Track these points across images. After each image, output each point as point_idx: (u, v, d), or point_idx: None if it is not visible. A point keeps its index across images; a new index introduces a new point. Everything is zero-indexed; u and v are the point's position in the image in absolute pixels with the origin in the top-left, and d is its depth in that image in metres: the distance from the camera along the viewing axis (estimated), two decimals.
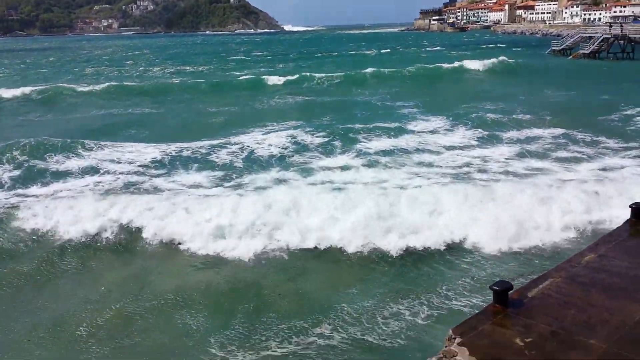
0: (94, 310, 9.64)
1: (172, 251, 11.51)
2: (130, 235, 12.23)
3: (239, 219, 11.74)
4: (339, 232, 11.18)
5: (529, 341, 4.52)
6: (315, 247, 11.10)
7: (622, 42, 55.56)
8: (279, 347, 8.19)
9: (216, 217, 11.86)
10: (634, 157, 17.20)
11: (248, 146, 20.28)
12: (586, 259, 5.95)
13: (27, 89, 39.92)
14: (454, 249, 10.94)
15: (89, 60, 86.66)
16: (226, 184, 16.06)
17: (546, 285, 5.41)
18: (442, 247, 10.90)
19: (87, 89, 39.96)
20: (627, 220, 6.98)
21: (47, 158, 19.36)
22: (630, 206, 6.98)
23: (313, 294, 9.83)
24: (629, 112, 24.05)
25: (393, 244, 10.80)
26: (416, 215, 11.54)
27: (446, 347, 4.58)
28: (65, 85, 42.32)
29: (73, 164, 18.92)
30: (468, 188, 13.13)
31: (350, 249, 10.92)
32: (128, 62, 79.17)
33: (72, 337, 8.88)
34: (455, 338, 4.59)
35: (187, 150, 20.05)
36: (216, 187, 15.77)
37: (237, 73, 51.79)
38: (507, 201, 11.92)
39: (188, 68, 62.94)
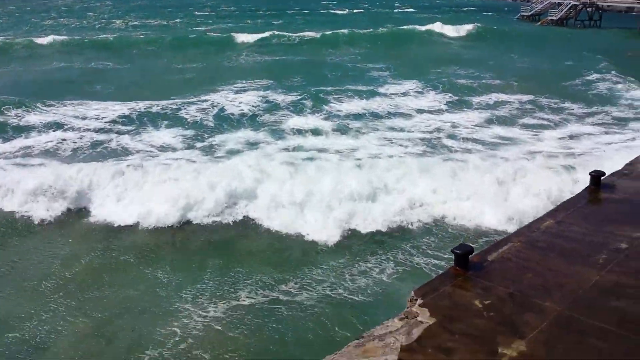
0: (62, 265, 9.66)
1: (142, 215, 11.30)
2: (97, 201, 11.92)
3: (208, 191, 11.45)
4: (310, 207, 11.03)
5: (488, 303, 4.66)
6: (297, 233, 10.92)
7: (589, 9, 56.01)
8: (247, 298, 8.51)
9: (184, 188, 11.50)
10: (595, 124, 17.77)
11: (218, 105, 20.03)
12: (545, 224, 6.12)
13: None
14: (426, 218, 11.01)
15: (48, 10, 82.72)
16: (197, 144, 15.90)
17: (506, 250, 5.55)
18: (413, 217, 10.95)
19: (46, 41, 38.21)
20: (586, 187, 7.17)
21: (5, 112, 18.66)
22: (589, 174, 7.17)
23: (281, 253, 9.98)
24: (589, 78, 25.04)
25: (365, 215, 10.75)
26: (390, 185, 11.50)
27: (408, 308, 4.69)
28: (22, 38, 40.18)
29: (34, 119, 18.33)
30: (439, 161, 13.20)
31: (323, 216, 10.83)
32: (90, 13, 75.94)
33: (39, 291, 8.93)
34: (417, 299, 4.70)
35: (156, 107, 19.70)
36: (187, 148, 15.55)
37: (204, 28, 50.36)
38: (478, 175, 11.94)
39: (153, 21, 60.80)
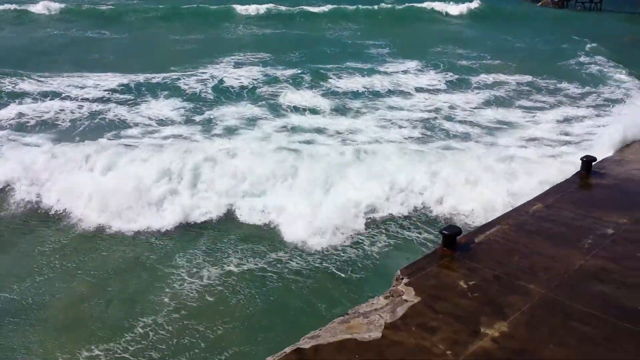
0: (56, 231, 9.87)
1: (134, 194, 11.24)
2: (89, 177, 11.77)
3: (210, 184, 11.17)
4: (307, 191, 10.86)
5: (473, 284, 4.75)
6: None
7: None
8: (239, 265, 8.72)
9: (180, 180, 11.15)
10: (588, 106, 18.01)
11: (216, 78, 19.97)
12: (534, 208, 6.18)
13: None
14: (423, 202, 10.89)
15: None
16: (196, 118, 15.88)
17: (493, 232, 5.63)
18: (410, 200, 10.87)
19: (39, 8, 37.56)
20: (577, 172, 7.23)
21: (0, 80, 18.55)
22: (581, 159, 7.23)
23: (273, 226, 10.09)
24: (582, 60, 25.45)
25: (363, 197, 10.60)
26: (389, 173, 11.33)
27: (394, 286, 4.77)
28: (13, 4, 39.14)
29: (30, 88, 18.20)
30: (439, 149, 13.11)
31: (319, 198, 10.66)
32: None
33: (32, 254, 9.10)
34: (403, 278, 4.79)
35: (155, 79, 19.63)
36: (185, 123, 15.50)
37: None
38: (478, 163, 11.71)
39: None
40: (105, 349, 6.81)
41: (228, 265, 8.70)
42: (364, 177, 11.15)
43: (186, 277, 8.39)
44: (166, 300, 7.82)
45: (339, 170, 11.35)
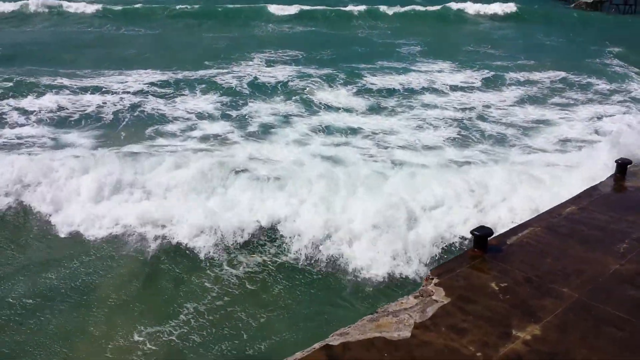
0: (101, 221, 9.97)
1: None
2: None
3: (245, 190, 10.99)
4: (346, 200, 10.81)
5: (504, 286, 4.72)
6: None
7: None
8: (277, 256, 8.99)
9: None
10: (618, 102, 18.27)
11: (251, 75, 20.37)
12: (567, 210, 6.09)
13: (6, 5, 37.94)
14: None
15: None
16: (233, 113, 16.28)
17: (525, 234, 5.57)
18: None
19: (73, 8, 38.39)
20: (612, 175, 7.09)
21: (37, 74, 19.15)
22: (615, 161, 7.07)
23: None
24: (607, 62, 25.51)
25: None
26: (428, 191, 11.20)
27: (424, 286, 4.77)
28: (50, 2, 40.09)
29: (69, 82, 18.80)
30: (476, 157, 12.97)
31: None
32: None
33: (79, 239, 9.44)
34: (433, 278, 4.79)
35: (191, 76, 20.16)
36: (222, 118, 15.87)
37: None
38: (515, 171, 11.57)
39: None
40: (150, 333, 7.02)
41: (265, 256, 8.90)
42: (401, 188, 10.95)
43: (226, 267, 8.59)
44: (208, 285, 8.06)
45: (375, 179, 11.22)
